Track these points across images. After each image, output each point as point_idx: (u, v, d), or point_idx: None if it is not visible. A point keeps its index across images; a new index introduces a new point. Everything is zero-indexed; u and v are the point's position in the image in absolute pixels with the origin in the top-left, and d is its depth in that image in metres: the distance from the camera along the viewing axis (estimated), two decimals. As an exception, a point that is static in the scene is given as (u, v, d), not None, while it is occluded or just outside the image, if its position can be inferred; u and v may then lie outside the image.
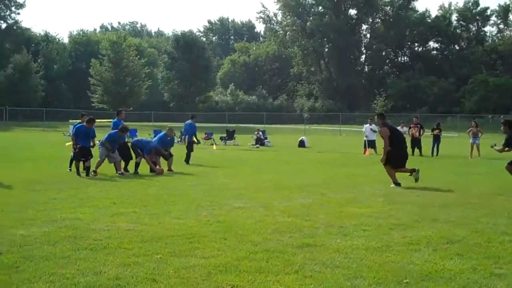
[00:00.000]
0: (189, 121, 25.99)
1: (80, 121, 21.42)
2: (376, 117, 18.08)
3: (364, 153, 32.17)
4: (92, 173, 18.69)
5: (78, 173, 18.49)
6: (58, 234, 9.04)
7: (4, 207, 11.58)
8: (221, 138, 44.48)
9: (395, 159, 16.06)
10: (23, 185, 15.89)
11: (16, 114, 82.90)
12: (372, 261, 7.52)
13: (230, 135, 45.09)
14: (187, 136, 25.28)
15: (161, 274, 6.83)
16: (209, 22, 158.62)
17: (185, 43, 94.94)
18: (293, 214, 10.98)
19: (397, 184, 15.84)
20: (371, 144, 32.63)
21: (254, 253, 7.87)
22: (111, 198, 13.22)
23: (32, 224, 9.84)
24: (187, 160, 24.08)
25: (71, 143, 20.47)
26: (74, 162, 19.21)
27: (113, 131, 20.40)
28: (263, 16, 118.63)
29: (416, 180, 15.90)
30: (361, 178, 18.31)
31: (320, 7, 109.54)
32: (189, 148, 24.69)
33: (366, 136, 33.11)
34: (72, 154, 19.81)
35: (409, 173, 16.14)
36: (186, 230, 9.37)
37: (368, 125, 33.28)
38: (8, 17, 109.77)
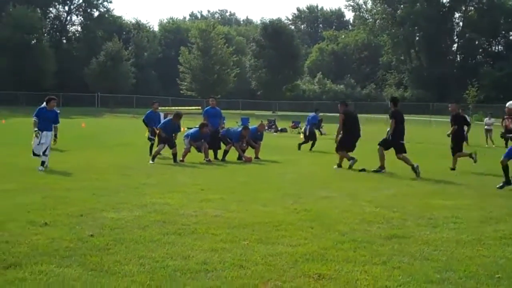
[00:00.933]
0: (312, 113, 28.28)
1: (153, 109, 22.44)
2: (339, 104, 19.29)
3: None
4: (179, 161, 18.98)
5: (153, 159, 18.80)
6: (148, 218, 9.22)
7: (96, 191, 11.88)
8: None
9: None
10: (115, 169, 16.28)
11: (107, 100, 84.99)
12: (462, 254, 7.35)
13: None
14: (308, 127, 26.94)
15: (248, 260, 6.87)
16: (298, 10, 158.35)
17: (273, 31, 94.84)
18: (380, 205, 10.85)
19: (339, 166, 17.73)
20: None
21: (341, 242, 7.81)
22: (199, 184, 13.38)
23: (122, 208, 10.07)
24: (311, 147, 25.96)
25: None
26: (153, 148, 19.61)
27: (193, 130, 20.68)
28: (352, 4, 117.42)
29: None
30: (449, 170, 17.92)
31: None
32: (313, 138, 26.60)
33: None
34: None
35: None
36: (273, 218, 9.38)
37: None
38: (101, 6, 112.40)
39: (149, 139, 21.41)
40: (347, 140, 18.10)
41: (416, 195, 12.32)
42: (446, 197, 12.16)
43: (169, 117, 20.45)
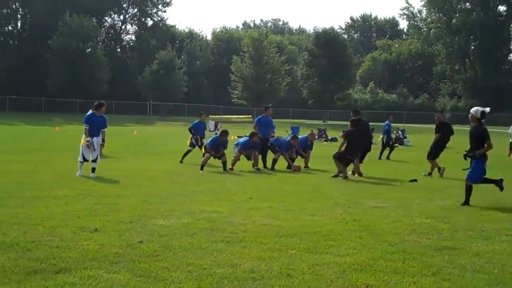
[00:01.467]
0: (387, 121, 29.04)
1: (200, 119, 22.94)
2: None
3: (509, 155, 30.90)
4: (229, 170, 19.07)
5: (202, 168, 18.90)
6: (196, 225, 9.27)
7: (146, 198, 12.00)
8: None
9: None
10: (165, 177, 16.43)
11: (159, 108, 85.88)
12: (515, 267, 7.20)
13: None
14: (385, 136, 27.91)
15: (295, 269, 6.84)
16: (351, 19, 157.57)
17: (326, 40, 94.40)
18: (431, 216, 10.71)
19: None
20: None
21: (390, 253, 7.73)
22: (247, 192, 13.40)
23: (171, 215, 10.14)
24: (388, 156, 27.01)
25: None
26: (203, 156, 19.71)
27: (244, 139, 20.91)
28: (406, 12, 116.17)
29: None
30: (505, 181, 17.57)
31: (468, 4, 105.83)
32: (390, 147, 27.75)
33: None
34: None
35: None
36: (321, 227, 9.33)
37: None
38: (155, 15, 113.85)
39: (191, 145, 22.24)
40: (351, 151, 18.27)
41: (469, 206, 12.11)
42: (499, 209, 11.94)
43: (217, 131, 20.69)
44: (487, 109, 12.66)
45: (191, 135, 22.31)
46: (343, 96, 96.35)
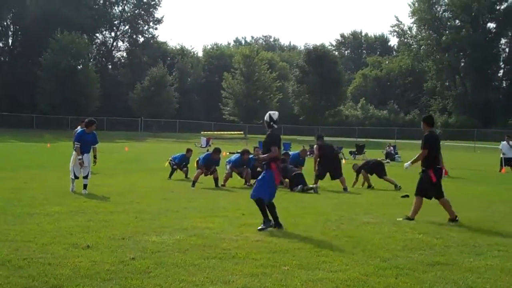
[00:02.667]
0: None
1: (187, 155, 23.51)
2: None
3: (500, 170, 30.98)
4: (221, 186, 19.10)
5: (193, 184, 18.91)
6: (189, 242, 9.25)
7: (138, 215, 11.97)
8: (351, 153, 44.16)
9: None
10: (157, 193, 16.40)
11: (150, 125, 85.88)
12: (507, 282, 7.23)
13: (359, 149, 44.68)
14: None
15: (288, 285, 6.84)
16: (342, 36, 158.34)
17: (317, 57, 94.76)
18: (423, 231, 10.72)
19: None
20: (508, 161, 31.33)
21: (383, 269, 7.73)
22: (240, 209, 13.39)
23: (164, 231, 10.12)
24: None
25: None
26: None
27: (235, 156, 21.05)
28: (397, 29, 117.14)
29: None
30: (496, 197, 17.64)
31: (457, 21, 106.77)
32: None
33: (503, 154, 31.82)
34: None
35: None
36: (314, 243, 9.33)
37: (505, 142, 31.95)
38: (146, 32, 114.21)
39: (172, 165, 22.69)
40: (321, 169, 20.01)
41: (461, 222, 12.14)
42: (491, 224, 11.97)
43: (209, 148, 20.77)
44: None
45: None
46: (334, 113, 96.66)
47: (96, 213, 12.08)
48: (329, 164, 20.00)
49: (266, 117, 11.55)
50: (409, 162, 13.04)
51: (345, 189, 18.96)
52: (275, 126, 11.48)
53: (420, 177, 12.77)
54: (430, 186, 12.34)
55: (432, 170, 12.36)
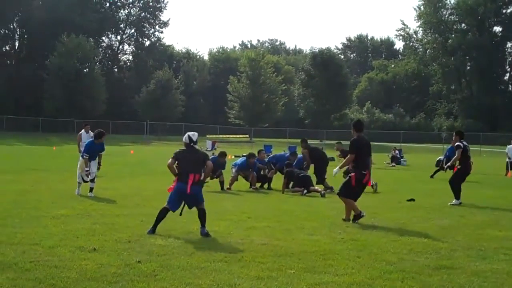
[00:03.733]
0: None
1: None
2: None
3: (506, 174, 30.94)
4: (226, 189, 19.13)
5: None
6: (195, 245, 9.26)
7: (144, 218, 11.98)
8: None
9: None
10: (162, 196, 16.36)
11: (156, 128, 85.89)
12: (513, 286, 7.21)
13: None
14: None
15: (294, 289, 6.84)
16: (348, 39, 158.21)
17: (322, 60, 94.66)
18: (429, 235, 10.71)
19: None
20: None
21: (389, 272, 7.73)
22: (245, 212, 13.40)
23: (169, 234, 10.14)
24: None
25: None
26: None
27: (241, 160, 21.12)
28: (402, 33, 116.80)
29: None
30: (502, 201, 17.60)
31: (463, 24, 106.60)
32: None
33: (509, 158, 31.79)
34: None
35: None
36: (319, 247, 9.34)
37: (511, 146, 31.92)
38: (152, 35, 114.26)
39: None
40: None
41: (467, 225, 12.12)
42: (498, 228, 11.95)
43: (214, 151, 20.64)
44: None
45: None
46: (339, 116, 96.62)
47: (102, 216, 12.11)
48: (319, 166, 20.55)
49: (185, 138, 11.33)
50: (337, 168, 12.96)
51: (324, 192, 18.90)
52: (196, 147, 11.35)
53: (344, 179, 13.13)
54: (349, 189, 12.46)
55: (356, 175, 12.37)
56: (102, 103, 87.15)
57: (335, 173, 12.88)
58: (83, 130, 23.58)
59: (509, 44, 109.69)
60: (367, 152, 12.68)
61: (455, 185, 16.52)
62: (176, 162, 10.89)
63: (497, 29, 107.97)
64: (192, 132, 11.39)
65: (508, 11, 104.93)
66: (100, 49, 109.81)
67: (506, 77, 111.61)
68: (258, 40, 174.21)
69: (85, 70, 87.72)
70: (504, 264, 8.44)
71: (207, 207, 13.54)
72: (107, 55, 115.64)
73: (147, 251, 8.74)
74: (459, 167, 17.17)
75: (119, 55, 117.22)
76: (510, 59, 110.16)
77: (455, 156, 16.92)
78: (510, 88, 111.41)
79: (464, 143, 16.78)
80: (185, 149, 11.17)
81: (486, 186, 23.75)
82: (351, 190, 12.43)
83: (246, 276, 7.37)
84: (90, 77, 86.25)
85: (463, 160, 16.81)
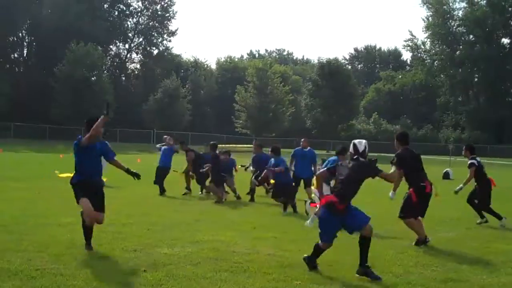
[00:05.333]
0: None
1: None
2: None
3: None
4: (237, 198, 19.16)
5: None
6: (200, 255, 9.27)
7: (150, 227, 12.00)
8: None
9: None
10: (168, 205, 16.43)
11: (162, 137, 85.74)
12: (520, 300, 7.18)
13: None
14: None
15: (300, 300, 6.83)
16: (355, 50, 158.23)
17: (330, 71, 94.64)
18: (436, 248, 10.69)
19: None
20: None
21: (395, 285, 7.73)
22: (251, 222, 13.39)
23: (175, 244, 10.14)
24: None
25: None
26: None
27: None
28: (410, 44, 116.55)
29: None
30: (509, 214, 17.52)
31: (471, 36, 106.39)
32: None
33: None
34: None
35: None
36: (325, 258, 9.31)
37: None
38: (160, 44, 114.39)
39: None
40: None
41: (474, 238, 12.09)
42: (505, 241, 11.92)
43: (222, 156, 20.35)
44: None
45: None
46: (346, 127, 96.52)
47: (108, 225, 12.09)
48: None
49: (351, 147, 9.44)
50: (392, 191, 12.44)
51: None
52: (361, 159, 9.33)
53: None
54: (411, 206, 11.72)
55: (414, 189, 11.92)
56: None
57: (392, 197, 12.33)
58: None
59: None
60: (416, 165, 12.14)
61: (486, 207, 15.31)
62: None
63: (505, 41, 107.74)
64: (359, 140, 9.61)
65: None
66: (108, 57, 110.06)
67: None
68: (266, 50, 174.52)
69: (93, 78, 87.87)
70: (511, 278, 8.41)
71: (212, 217, 13.52)
72: (115, 64, 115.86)
73: (153, 260, 8.75)
74: (477, 187, 15.71)
75: (127, 64, 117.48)
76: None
77: (468, 177, 15.59)
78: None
79: (478, 159, 15.62)
80: (345, 162, 9.66)
81: (493, 199, 23.64)
82: (415, 206, 11.64)
83: (252, 286, 7.38)
84: (98, 85, 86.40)
85: (480, 178, 15.59)
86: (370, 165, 9.36)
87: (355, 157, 9.32)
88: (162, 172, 21.34)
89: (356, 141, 9.52)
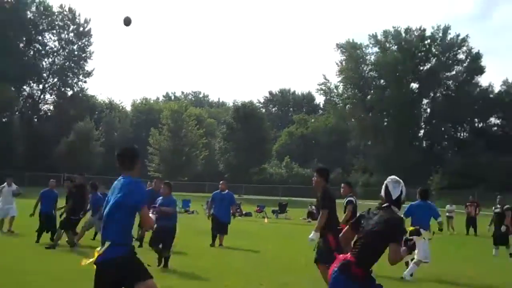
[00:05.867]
0: None
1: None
2: None
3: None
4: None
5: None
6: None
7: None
8: (273, 211, 43.65)
9: None
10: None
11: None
12: None
13: (282, 208, 44.36)
14: None
15: None
16: (270, 93, 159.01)
17: (245, 114, 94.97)
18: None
19: None
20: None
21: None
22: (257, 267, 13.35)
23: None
24: None
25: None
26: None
27: None
28: (324, 88, 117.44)
29: None
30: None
31: (382, 80, 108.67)
32: None
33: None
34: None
35: None
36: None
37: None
38: (75, 85, 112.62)
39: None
40: None
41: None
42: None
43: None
44: None
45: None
46: (259, 170, 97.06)
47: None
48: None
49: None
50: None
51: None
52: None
53: None
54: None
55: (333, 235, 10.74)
56: (20, 154, 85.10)
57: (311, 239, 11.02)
58: (5, 183, 23.41)
59: (425, 101, 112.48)
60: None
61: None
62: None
63: (414, 85, 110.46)
64: (394, 179, 7.00)
65: (425, 68, 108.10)
66: (21, 98, 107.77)
67: (421, 134, 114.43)
68: (182, 92, 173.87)
69: (4, 120, 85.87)
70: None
71: (213, 263, 13.27)
72: (28, 105, 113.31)
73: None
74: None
75: (40, 105, 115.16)
76: (425, 116, 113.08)
77: (345, 215, 14.57)
78: (424, 145, 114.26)
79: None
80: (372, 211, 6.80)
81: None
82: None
83: None
84: (9, 127, 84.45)
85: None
86: (400, 227, 6.49)
87: (385, 204, 6.67)
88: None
89: (389, 181, 6.93)
